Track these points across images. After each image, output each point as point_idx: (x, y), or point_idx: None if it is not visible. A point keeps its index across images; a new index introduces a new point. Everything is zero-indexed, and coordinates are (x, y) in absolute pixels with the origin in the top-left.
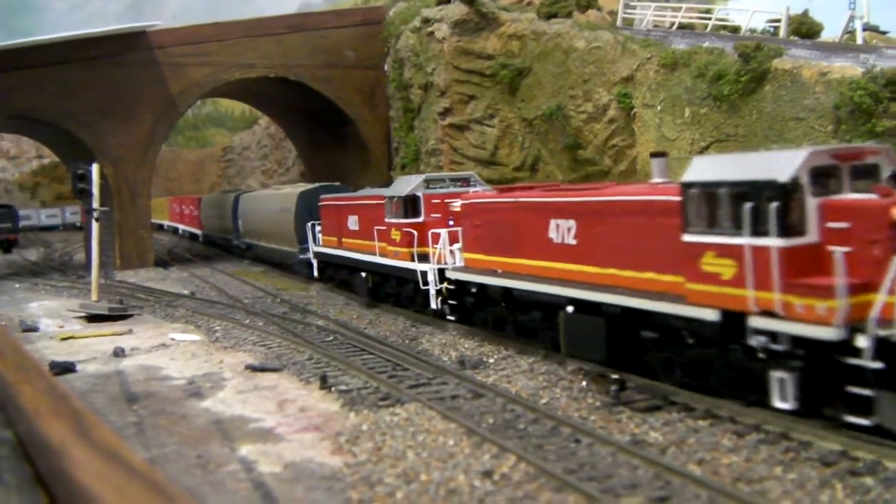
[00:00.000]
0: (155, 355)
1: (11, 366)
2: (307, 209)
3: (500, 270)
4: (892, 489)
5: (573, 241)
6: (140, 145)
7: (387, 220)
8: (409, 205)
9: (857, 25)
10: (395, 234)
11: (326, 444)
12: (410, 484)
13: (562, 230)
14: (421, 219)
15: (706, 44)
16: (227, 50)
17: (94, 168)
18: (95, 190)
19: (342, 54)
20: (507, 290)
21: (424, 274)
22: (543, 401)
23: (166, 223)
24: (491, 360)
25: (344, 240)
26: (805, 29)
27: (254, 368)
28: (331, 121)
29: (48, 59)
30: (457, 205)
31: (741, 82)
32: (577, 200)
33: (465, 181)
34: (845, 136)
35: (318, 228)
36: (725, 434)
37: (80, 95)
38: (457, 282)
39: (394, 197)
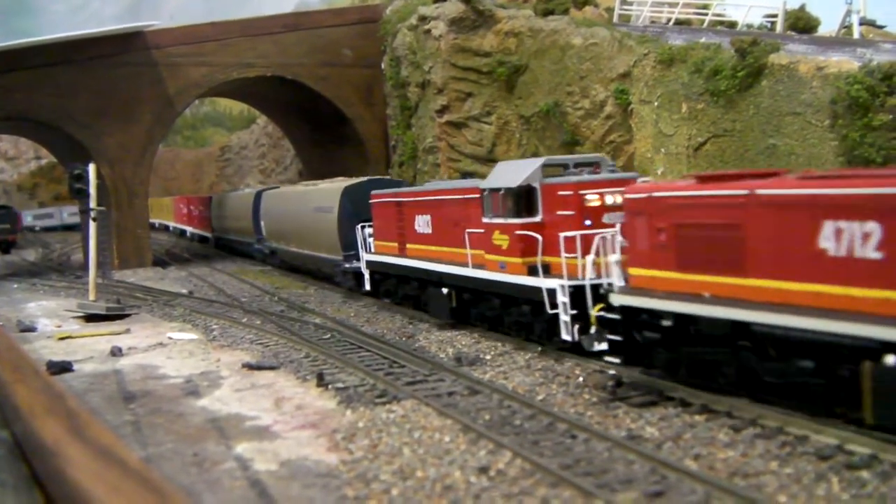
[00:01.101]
0: (152, 354)
1: (7, 365)
2: (354, 208)
3: (707, 294)
4: (888, 482)
5: (875, 255)
6: (138, 145)
7: (486, 219)
8: (524, 199)
9: (854, 20)
10: (501, 239)
11: (323, 442)
12: (406, 480)
13: (844, 237)
14: (538, 217)
15: (703, 39)
16: (224, 49)
17: (91, 168)
18: (92, 190)
19: (339, 53)
20: (735, 326)
21: (552, 293)
22: (540, 397)
23: (171, 224)
24: (488, 357)
25: (409, 246)
26: (802, 24)
27: (251, 367)
28: (328, 119)
29: (45, 59)
30: (612, 199)
31: (738, 77)
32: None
33: (596, 165)
34: (842, 130)
35: (368, 231)
36: (722, 429)
37: (77, 96)
38: (626, 309)
39: (498, 189)
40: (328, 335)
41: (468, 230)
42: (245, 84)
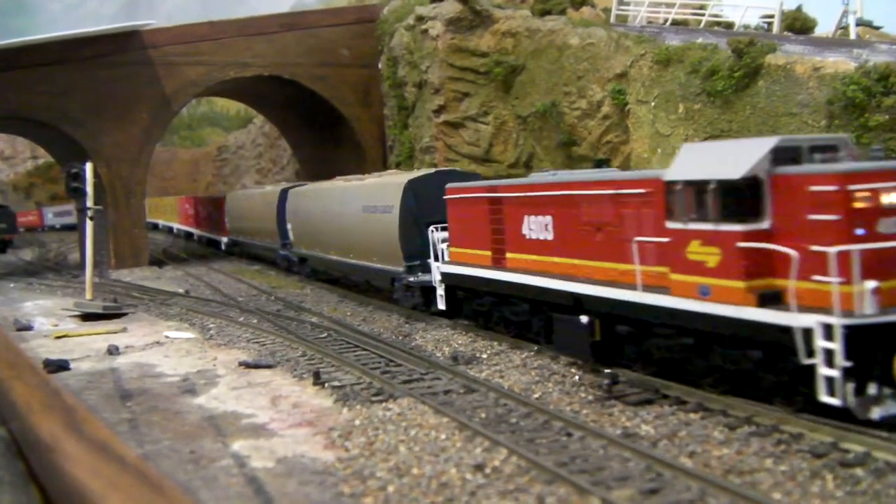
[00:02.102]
0: (149, 353)
1: (4, 363)
2: (420, 207)
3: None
4: (882, 479)
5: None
6: (135, 145)
7: (673, 224)
8: (748, 197)
9: (851, 20)
10: (703, 253)
11: (319, 439)
12: (402, 478)
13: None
14: (766, 223)
15: (700, 40)
16: (221, 49)
17: (88, 167)
18: (89, 189)
19: (336, 53)
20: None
21: (808, 334)
22: (536, 395)
23: (175, 226)
24: (484, 356)
25: (510, 255)
26: (798, 24)
27: (247, 365)
28: (325, 119)
29: (42, 59)
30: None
31: (735, 78)
32: None
33: (833, 149)
34: (838, 130)
35: (441, 236)
36: (717, 427)
37: (74, 95)
38: None
39: (704, 182)
40: (325, 334)
41: (637, 239)
42: (242, 84)
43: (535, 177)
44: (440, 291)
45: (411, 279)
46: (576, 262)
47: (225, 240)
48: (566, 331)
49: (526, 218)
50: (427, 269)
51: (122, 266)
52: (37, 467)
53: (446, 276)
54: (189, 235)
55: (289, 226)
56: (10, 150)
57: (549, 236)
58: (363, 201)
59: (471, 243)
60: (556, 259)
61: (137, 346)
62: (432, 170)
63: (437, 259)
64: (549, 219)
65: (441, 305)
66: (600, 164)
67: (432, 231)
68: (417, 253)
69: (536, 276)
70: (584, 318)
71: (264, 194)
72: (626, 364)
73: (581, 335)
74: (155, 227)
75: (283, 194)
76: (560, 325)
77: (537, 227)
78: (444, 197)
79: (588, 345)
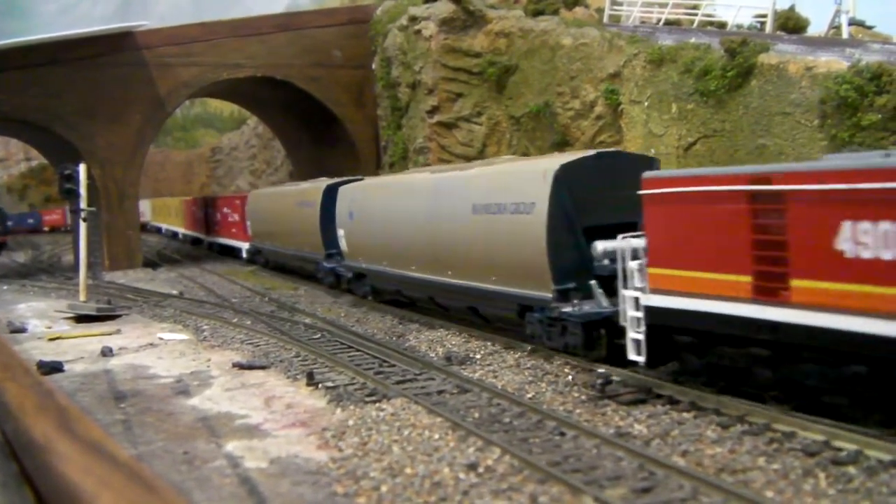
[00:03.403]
0: (143, 354)
1: None
2: (576, 205)
3: None
4: (874, 478)
5: None
6: (128, 146)
7: None
8: None
9: (843, 20)
10: None
11: (312, 440)
12: (395, 477)
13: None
14: None
15: (693, 39)
16: (214, 50)
17: (81, 168)
18: (83, 190)
19: (329, 53)
20: None
21: None
22: (529, 395)
23: (181, 231)
24: (478, 356)
25: (802, 283)
26: (791, 24)
27: (241, 366)
28: (319, 120)
29: (35, 60)
30: None
31: (727, 77)
32: None
33: None
34: (831, 130)
35: (628, 247)
36: (710, 426)
37: (67, 97)
38: None
39: None
40: (318, 335)
41: None
42: (235, 85)
43: (845, 159)
44: (635, 334)
45: (566, 309)
46: None
47: (245, 247)
48: None
49: (849, 225)
50: (589, 296)
51: (115, 268)
52: (30, 468)
53: (655, 313)
54: (198, 241)
55: (340, 232)
56: (3, 152)
57: None
58: (475, 198)
59: (700, 262)
60: None
61: (131, 347)
62: (588, 152)
63: (629, 284)
64: None
65: (637, 355)
66: None
67: (621, 240)
68: (573, 271)
69: (877, 318)
70: None
71: (302, 193)
72: None
73: None
74: (157, 230)
75: (330, 192)
76: None
77: (879, 239)
78: (642, 192)
79: None
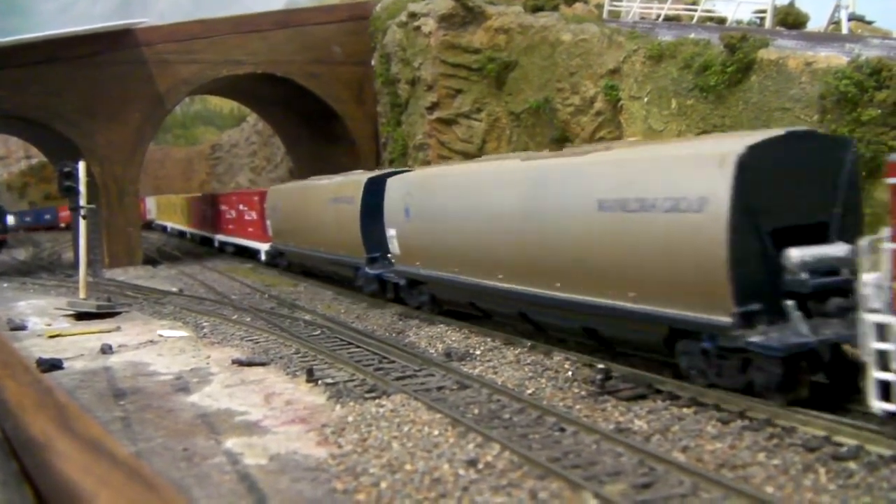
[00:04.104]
0: (142, 351)
1: None
2: (764, 200)
3: None
4: (875, 473)
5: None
6: (128, 143)
7: None
8: None
9: (843, 15)
10: None
11: (312, 436)
12: (395, 474)
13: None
14: None
15: (692, 35)
16: (213, 47)
17: (81, 165)
18: (83, 187)
19: (329, 50)
20: None
21: None
22: (529, 391)
23: (188, 230)
24: (477, 352)
25: None
26: (791, 19)
27: (241, 363)
28: (319, 117)
29: (35, 58)
30: None
31: (727, 73)
32: None
33: None
34: (831, 125)
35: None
36: (710, 421)
37: (66, 94)
38: None
39: None
40: (318, 331)
41: None
42: (235, 82)
43: None
44: (882, 374)
45: (754, 339)
46: None
47: (265, 248)
48: None
49: None
50: (775, 320)
51: (115, 265)
52: (29, 466)
53: None
54: (207, 241)
55: (391, 232)
56: (3, 150)
57: None
58: (602, 191)
59: None
60: None
61: (131, 344)
62: (778, 131)
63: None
64: None
65: (886, 401)
66: None
67: (841, 246)
68: (760, 287)
69: None
70: None
71: (338, 187)
72: None
73: None
74: (163, 229)
75: (373, 186)
76: None
77: None
78: (890, 180)
79: None
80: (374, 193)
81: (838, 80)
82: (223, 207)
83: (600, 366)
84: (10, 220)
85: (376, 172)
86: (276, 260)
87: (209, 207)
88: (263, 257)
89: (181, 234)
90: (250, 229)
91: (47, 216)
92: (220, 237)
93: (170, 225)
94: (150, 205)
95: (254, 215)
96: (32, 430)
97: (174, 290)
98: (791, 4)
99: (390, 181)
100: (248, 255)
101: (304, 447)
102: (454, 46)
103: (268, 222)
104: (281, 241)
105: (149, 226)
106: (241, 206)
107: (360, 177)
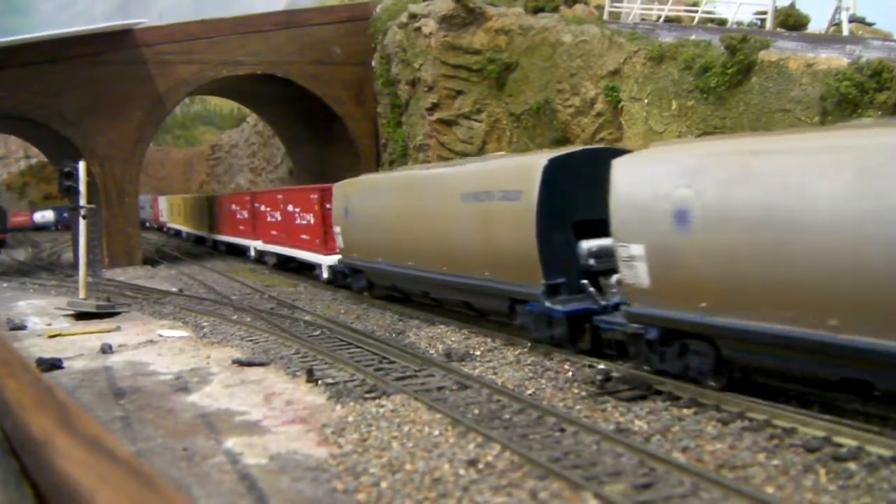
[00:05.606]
0: (142, 351)
1: None
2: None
3: None
4: (875, 474)
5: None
6: (128, 143)
7: None
8: None
9: (844, 17)
10: None
11: (312, 436)
12: (395, 474)
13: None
14: None
15: (693, 36)
16: (214, 47)
17: (81, 165)
18: (83, 187)
19: (329, 51)
20: None
21: None
22: (529, 391)
23: (214, 237)
24: (477, 353)
25: None
26: (792, 21)
27: (241, 363)
28: (318, 117)
29: (35, 57)
30: None
31: (728, 74)
32: None
33: None
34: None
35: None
36: (710, 422)
37: (66, 94)
38: None
39: None
40: (318, 332)
41: None
42: (235, 82)
43: None
44: None
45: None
46: None
47: (327, 262)
48: None
49: None
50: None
51: (115, 265)
52: (29, 464)
53: None
54: (235, 249)
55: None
56: (3, 150)
57: None
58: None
59: None
60: None
61: (131, 344)
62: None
63: None
64: None
65: None
66: None
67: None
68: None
69: None
70: None
71: (484, 175)
72: None
73: None
74: (178, 234)
75: (556, 173)
76: None
77: None
78: None
79: None
80: (556, 184)
81: (839, 81)
82: (263, 208)
83: (601, 366)
84: (51, 215)
85: (558, 152)
86: (350, 281)
87: (241, 209)
88: (325, 274)
89: (199, 239)
90: (304, 237)
91: (65, 214)
92: (257, 245)
93: (185, 229)
94: (161, 205)
95: (310, 219)
96: (32, 429)
97: (174, 290)
98: (792, 6)
99: (622, 163)
100: (295, 268)
101: (305, 447)
102: (454, 47)
103: (336, 229)
104: (357, 255)
105: (160, 229)
106: (289, 208)
107: (529, 159)
